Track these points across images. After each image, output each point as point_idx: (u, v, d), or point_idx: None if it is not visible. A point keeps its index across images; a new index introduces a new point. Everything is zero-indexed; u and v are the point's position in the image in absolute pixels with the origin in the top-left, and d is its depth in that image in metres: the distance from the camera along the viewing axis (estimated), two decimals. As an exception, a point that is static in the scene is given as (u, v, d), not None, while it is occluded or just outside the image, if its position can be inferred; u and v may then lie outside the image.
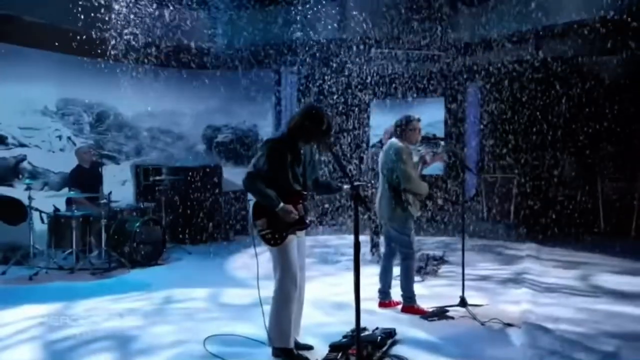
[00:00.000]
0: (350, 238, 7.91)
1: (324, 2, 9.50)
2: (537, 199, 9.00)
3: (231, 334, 3.95)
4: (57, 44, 7.83)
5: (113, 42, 8.74)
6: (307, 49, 10.17)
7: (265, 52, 10.06)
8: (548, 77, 9.87)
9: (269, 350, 3.56)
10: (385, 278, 4.82)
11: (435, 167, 12.84)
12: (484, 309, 4.70)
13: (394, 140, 4.70)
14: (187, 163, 8.47)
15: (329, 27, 10.38)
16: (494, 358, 3.64)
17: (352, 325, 4.10)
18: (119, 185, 9.21)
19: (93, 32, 8.00)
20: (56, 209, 6.46)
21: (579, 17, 8.71)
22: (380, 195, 4.71)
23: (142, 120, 10.08)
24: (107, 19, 8.42)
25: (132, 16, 8.93)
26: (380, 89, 12.47)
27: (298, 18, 9.77)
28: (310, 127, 3.45)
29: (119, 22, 8.77)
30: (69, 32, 7.67)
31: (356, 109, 12.51)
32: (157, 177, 7.69)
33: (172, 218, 8.02)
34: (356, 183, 3.80)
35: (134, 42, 8.99)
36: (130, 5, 8.84)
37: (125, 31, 8.97)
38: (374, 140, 13.57)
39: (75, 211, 6.40)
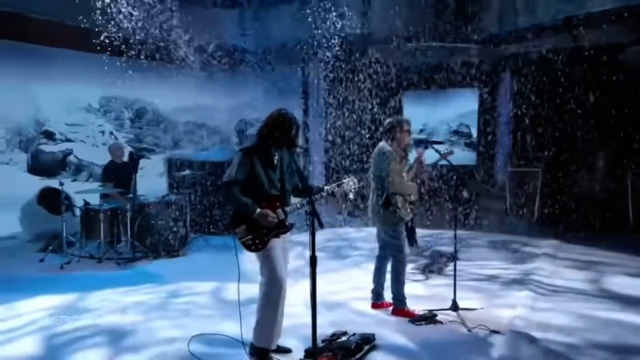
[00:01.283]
0: (368, 230, 7.76)
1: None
2: (562, 193, 8.48)
3: (216, 334, 3.95)
4: (98, 47, 8.05)
5: (150, 43, 8.96)
6: (333, 44, 10.00)
7: (293, 48, 9.97)
8: (582, 66, 9.22)
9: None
10: (378, 280, 4.69)
11: (467, 157, 12.45)
12: (476, 314, 4.49)
13: (382, 144, 4.51)
14: (213, 157, 8.52)
15: (357, 22, 10.17)
16: None
17: (340, 327, 4.06)
18: (156, 177, 9.47)
19: (132, 36, 8.25)
20: (86, 203, 6.69)
21: (615, 5, 8.10)
22: (371, 198, 4.56)
23: (179, 115, 10.29)
24: (144, 23, 8.64)
25: (167, 19, 9.10)
26: (412, 80, 12.11)
27: (324, 14, 9.60)
28: (277, 133, 3.41)
29: (155, 26, 8.95)
30: (109, 36, 7.93)
31: (388, 101, 12.20)
32: (183, 172, 7.79)
33: (198, 210, 8.13)
34: (345, 181, 3.71)
35: (169, 43, 9.19)
36: (166, 9, 9.00)
37: (162, 33, 9.15)
38: (407, 131, 13.26)
39: (104, 204, 6.62)
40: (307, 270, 6.28)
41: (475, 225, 8.84)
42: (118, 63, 8.89)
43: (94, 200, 6.87)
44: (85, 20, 7.80)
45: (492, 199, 9.78)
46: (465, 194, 10.22)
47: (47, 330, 4.03)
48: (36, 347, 3.71)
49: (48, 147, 8.66)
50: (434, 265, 6.14)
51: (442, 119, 13.16)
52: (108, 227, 6.58)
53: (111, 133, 9.45)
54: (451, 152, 5.27)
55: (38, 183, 8.02)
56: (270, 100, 10.67)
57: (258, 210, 3.35)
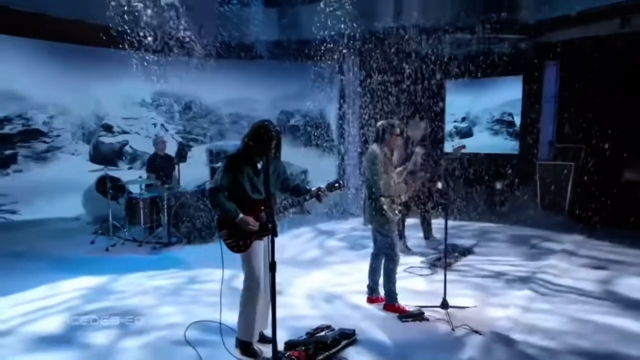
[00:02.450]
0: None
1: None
2: (598, 187, 7.95)
3: (212, 321, 4.13)
4: (152, 47, 8.54)
5: (197, 41, 9.33)
6: (368, 38, 9.91)
7: (329, 42, 9.97)
8: (630, 54, 8.53)
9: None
10: (372, 276, 4.75)
11: (509, 146, 11.97)
12: (467, 312, 4.47)
13: (373, 147, 4.50)
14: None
15: (396, 13, 9.98)
16: None
17: (332, 320, 4.18)
18: (202, 166, 9.93)
19: (181, 34, 8.67)
20: (129, 192, 7.20)
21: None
22: (364, 199, 4.60)
23: (224, 107, 10.64)
24: (190, 23, 9.01)
25: (211, 18, 9.42)
26: (455, 69, 11.71)
27: (360, 9, 9.53)
28: (258, 143, 3.52)
29: (201, 24, 9.31)
30: (161, 36, 8.44)
31: (429, 91, 11.90)
32: (219, 163, 8.12)
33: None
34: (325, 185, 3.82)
35: (215, 41, 9.53)
36: (210, 8, 9.31)
37: (208, 31, 9.51)
38: (449, 120, 12.92)
39: (145, 193, 7.10)
40: (323, 260, 6.50)
41: (503, 218, 8.54)
42: (169, 60, 9.37)
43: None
44: (136, 25, 8.29)
45: (527, 191, 9.38)
46: (498, 185, 9.90)
47: (74, 309, 4.47)
48: (59, 325, 4.14)
49: (107, 139, 9.32)
50: (440, 260, 6.05)
51: (485, 107, 12.69)
52: (148, 214, 7.05)
53: (162, 125, 9.98)
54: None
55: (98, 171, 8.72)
56: (308, 93, 10.80)
57: (240, 216, 3.51)
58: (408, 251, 6.59)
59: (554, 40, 10.24)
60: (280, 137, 3.65)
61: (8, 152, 8.23)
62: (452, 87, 13.08)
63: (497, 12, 9.98)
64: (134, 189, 7.37)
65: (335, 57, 10.41)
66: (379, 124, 4.58)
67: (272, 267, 3.00)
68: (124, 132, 9.54)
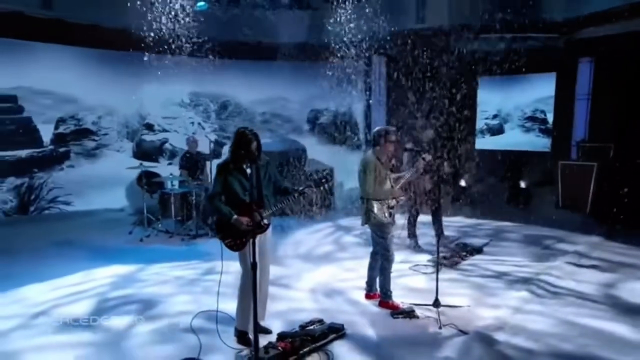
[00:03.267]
0: (421, 219, 7.68)
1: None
2: (619, 188, 7.63)
3: (220, 311, 4.44)
4: (189, 51, 9.01)
5: (232, 44, 9.72)
6: (395, 37, 9.90)
7: (357, 43, 10.07)
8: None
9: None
10: (370, 273, 4.90)
11: (541, 144, 11.64)
12: (458, 311, 4.56)
13: (369, 152, 4.63)
14: (273, 147, 9.02)
15: (426, 14, 9.93)
16: None
17: (329, 314, 4.38)
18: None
19: (215, 38, 9.09)
20: (161, 187, 7.68)
21: None
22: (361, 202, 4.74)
23: (257, 106, 10.99)
24: (226, 26, 9.40)
25: (243, 21, 9.76)
26: (488, 65, 11.46)
27: (386, 10, 9.56)
28: (241, 148, 3.75)
29: (236, 27, 9.67)
30: (196, 42, 8.92)
31: (461, 87, 11.72)
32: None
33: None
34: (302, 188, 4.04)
35: (250, 43, 9.87)
36: (244, 13, 9.65)
37: (242, 34, 9.85)
38: (481, 117, 12.67)
39: (175, 189, 7.55)
40: (335, 256, 6.66)
41: (522, 217, 8.38)
42: (205, 63, 9.78)
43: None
44: (174, 31, 8.74)
45: (549, 191, 9.14)
46: (522, 184, 9.70)
47: (100, 295, 4.92)
48: (84, 309, 4.57)
49: (149, 137, 9.90)
50: (450, 259, 6.11)
51: (517, 104, 12.38)
52: (179, 208, 7.50)
53: (199, 124, 10.46)
54: (430, 159, 5.08)
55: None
56: (337, 91, 10.93)
57: (234, 217, 3.77)
58: (419, 249, 6.67)
59: (589, 36, 9.85)
60: (258, 138, 3.85)
61: (62, 149, 8.95)
62: (484, 84, 12.81)
63: (528, 10, 9.71)
64: (169, 184, 7.85)
65: (363, 57, 10.51)
66: (376, 129, 4.70)
67: (254, 266, 3.23)
68: (164, 131, 10.09)
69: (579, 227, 7.62)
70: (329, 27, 10.12)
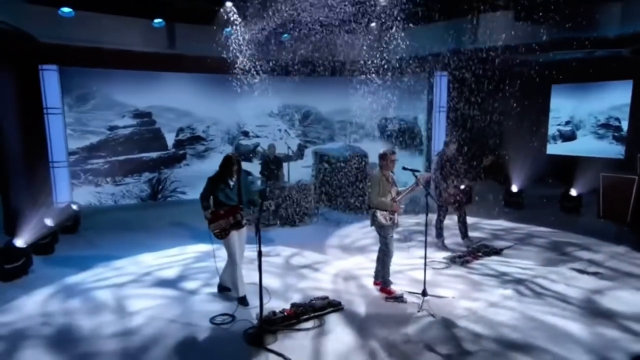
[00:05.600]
0: (455, 219, 8.24)
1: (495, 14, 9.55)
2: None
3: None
4: (277, 71, 10.51)
5: (313, 63, 10.99)
6: (457, 55, 10.30)
7: (423, 60, 10.69)
8: None
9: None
10: (377, 265, 5.81)
11: (614, 151, 11.17)
12: (441, 301, 5.25)
13: (376, 169, 5.54)
14: (336, 152, 10.07)
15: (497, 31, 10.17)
16: (385, 336, 4.47)
17: (339, 294, 5.43)
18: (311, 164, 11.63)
19: (300, 59, 10.44)
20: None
21: None
22: (368, 208, 5.68)
23: (334, 115, 12.16)
24: (305, 49, 10.70)
25: (324, 44, 10.93)
26: (561, 74, 11.27)
27: (450, 31, 10.03)
28: (224, 167, 5.07)
29: (321, 47, 10.91)
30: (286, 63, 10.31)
31: (534, 95, 11.67)
32: (320, 164, 9.72)
33: (323, 191, 10.00)
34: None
35: (327, 60, 11.06)
36: (328, 34, 10.83)
37: (324, 54, 11.06)
38: (553, 124, 12.40)
39: (255, 185, 9.09)
40: (368, 248, 7.63)
41: (562, 224, 8.42)
42: (291, 80, 11.18)
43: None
44: (264, 55, 10.26)
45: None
46: (574, 192, 9.56)
47: (186, 265, 6.57)
48: (173, 273, 6.23)
49: (244, 141, 11.65)
50: (461, 258, 6.70)
51: (590, 111, 11.93)
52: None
53: (285, 131, 11.97)
54: (428, 177, 5.69)
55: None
56: (405, 102, 11.64)
57: (207, 216, 5.07)
58: (445, 249, 7.32)
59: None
60: (240, 162, 5.15)
61: (181, 152, 11.06)
62: (557, 91, 12.50)
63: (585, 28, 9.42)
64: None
65: (426, 72, 11.06)
66: (382, 150, 5.56)
67: (259, 255, 4.46)
68: (257, 136, 11.76)
69: (613, 237, 7.56)
70: (394, 47, 10.86)
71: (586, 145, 12.02)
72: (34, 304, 5.34)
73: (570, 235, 7.91)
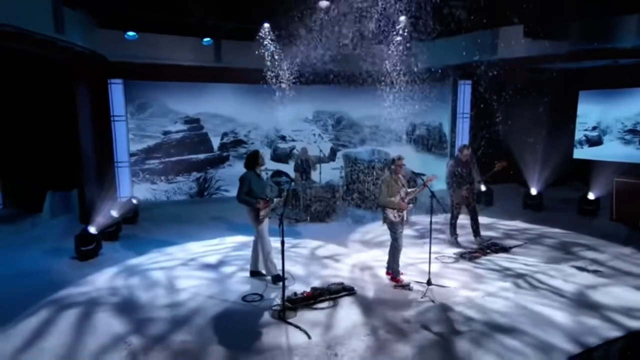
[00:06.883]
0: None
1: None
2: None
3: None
4: (311, 80, 11.28)
5: (346, 74, 11.66)
6: (479, 66, 10.65)
7: (447, 70, 11.10)
8: None
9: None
10: (389, 257, 6.43)
11: (640, 156, 11.17)
12: (444, 290, 5.75)
13: (387, 173, 6.14)
14: (364, 156, 10.67)
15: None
16: (387, 316, 5.05)
17: (355, 282, 6.07)
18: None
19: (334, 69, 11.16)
20: (278, 184, 10.11)
21: None
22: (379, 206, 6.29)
23: (365, 120, 12.77)
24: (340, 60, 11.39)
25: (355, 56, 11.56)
26: (589, 79, 11.36)
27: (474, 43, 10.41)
28: (252, 162, 5.89)
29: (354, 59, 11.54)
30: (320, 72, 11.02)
31: (561, 101, 11.79)
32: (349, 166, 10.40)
33: (350, 191, 10.63)
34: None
35: (359, 71, 11.69)
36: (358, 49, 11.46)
37: (356, 65, 11.69)
38: (580, 129, 12.43)
39: (287, 185, 9.89)
40: (387, 243, 8.11)
41: (575, 225, 8.63)
42: (326, 88, 11.88)
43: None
44: (299, 68, 11.03)
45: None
46: (591, 195, 9.68)
47: (225, 253, 7.42)
48: (214, 259, 7.10)
49: (282, 145, 12.50)
50: (471, 254, 7.15)
51: (617, 117, 11.89)
52: (291, 199, 9.82)
53: (320, 135, 12.71)
54: (432, 178, 6.16)
55: (274, 166, 12.02)
56: (430, 109, 12.06)
57: (260, 203, 5.87)
58: (458, 245, 7.79)
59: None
60: (262, 156, 6.01)
61: (225, 154, 12.06)
62: (584, 97, 12.50)
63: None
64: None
65: (451, 81, 11.46)
66: (391, 156, 6.17)
67: (282, 244, 5.22)
68: (293, 140, 12.58)
69: (621, 239, 7.74)
70: (425, 57, 11.34)
71: (613, 151, 11.97)
72: (103, 279, 6.36)
73: (581, 236, 8.13)
